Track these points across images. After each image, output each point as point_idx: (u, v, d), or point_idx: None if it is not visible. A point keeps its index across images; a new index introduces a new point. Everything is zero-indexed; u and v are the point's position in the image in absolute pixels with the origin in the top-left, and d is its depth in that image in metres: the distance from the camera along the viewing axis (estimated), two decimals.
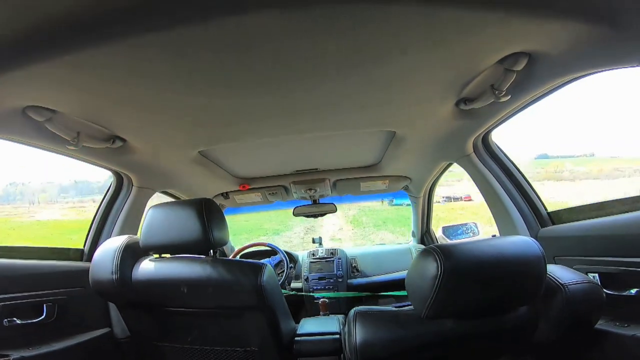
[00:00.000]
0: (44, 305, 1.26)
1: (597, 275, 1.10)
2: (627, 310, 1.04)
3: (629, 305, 1.03)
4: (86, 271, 1.20)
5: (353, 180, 2.19)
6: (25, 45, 0.71)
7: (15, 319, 1.18)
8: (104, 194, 1.65)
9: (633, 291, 1.01)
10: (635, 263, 0.99)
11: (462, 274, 0.84)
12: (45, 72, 0.79)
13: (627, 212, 1.06)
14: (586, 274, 1.08)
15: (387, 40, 0.77)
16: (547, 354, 1.11)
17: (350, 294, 2.28)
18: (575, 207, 1.32)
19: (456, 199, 11.64)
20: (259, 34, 0.71)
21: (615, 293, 1.04)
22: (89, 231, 1.58)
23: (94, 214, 1.62)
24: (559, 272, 0.99)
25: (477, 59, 0.90)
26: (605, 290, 1.02)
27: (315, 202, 2.47)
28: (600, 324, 1.04)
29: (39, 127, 1.02)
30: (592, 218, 1.19)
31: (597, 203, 1.22)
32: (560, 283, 0.93)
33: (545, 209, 1.44)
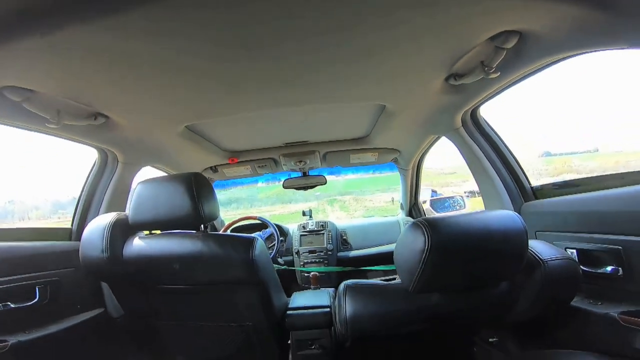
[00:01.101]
0: (36, 288, 1.25)
1: (575, 251, 1.13)
2: (602, 288, 1.08)
3: (604, 283, 1.07)
4: (76, 251, 1.19)
5: (343, 152, 2.19)
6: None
7: (9, 303, 1.18)
8: (88, 171, 1.61)
9: (608, 269, 1.03)
10: (612, 240, 1.02)
11: (448, 248, 0.87)
12: (21, 53, 0.76)
13: (606, 189, 1.09)
14: (565, 249, 1.12)
15: (378, 10, 0.75)
16: (524, 329, 1.18)
17: (340, 268, 2.34)
18: (557, 183, 1.36)
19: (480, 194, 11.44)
20: (250, 4, 0.69)
21: (591, 270, 1.08)
22: (75, 209, 1.56)
23: (79, 192, 1.59)
24: (539, 247, 1.02)
25: (469, 36, 0.89)
26: (582, 267, 1.06)
27: (305, 174, 2.48)
28: (575, 301, 1.09)
29: (17, 106, 0.98)
30: (573, 194, 1.22)
31: (578, 179, 1.26)
32: (540, 258, 0.97)
33: (529, 184, 1.48)
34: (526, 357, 1.21)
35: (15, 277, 1.21)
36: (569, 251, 1.14)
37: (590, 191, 1.15)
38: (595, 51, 0.89)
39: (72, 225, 1.55)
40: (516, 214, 0.95)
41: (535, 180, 1.44)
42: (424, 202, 2.68)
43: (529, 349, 1.24)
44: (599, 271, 1.06)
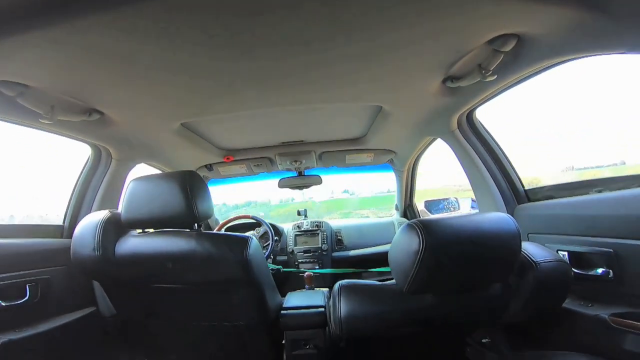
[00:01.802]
0: (27, 286, 1.23)
1: (566, 253, 1.14)
2: (592, 290, 1.09)
3: (595, 285, 1.08)
4: (67, 249, 1.18)
5: (339, 153, 2.18)
6: None
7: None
8: (81, 168, 1.59)
9: (599, 271, 1.05)
10: (602, 243, 1.03)
11: (442, 249, 0.87)
12: (16, 48, 0.75)
13: (598, 192, 1.11)
14: (557, 251, 1.13)
15: (376, 12, 0.75)
16: (517, 330, 1.19)
17: (336, 270, 2.34)
18: (550, 186, 1.37)
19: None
20: (246, 4, 0.68)
21: (583, 272, 1.09)
22: (67, 207, 1.54)
23: (72, 189, 1.57)
24: (532, 249, 1.03)
25: (467, 39, 0.90)
26: (573, 269, 1.07)
27: (300, 174, 2.48)
28: (567, 303, 1.10)
29: (10, 101, 0.97)
30: (566, 197, 1.24)
31: (571, 182, 1.27)
32: (533, 260, 0.98)
33: (523, 186, 1.49)
34: (518, 357, 1.22)
35: (4, 275, 1.19)
36: (561, 253, 1.15)
37: (582, 194, 1.17)
38: (594, 55, 0.89)
39: (63, 222, 1.53)
40: (509, 216, 0.96)
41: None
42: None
43: (521, 350, 1.25)
44: (590, 273, 1.08)
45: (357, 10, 0.73)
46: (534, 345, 1.21)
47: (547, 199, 1.34)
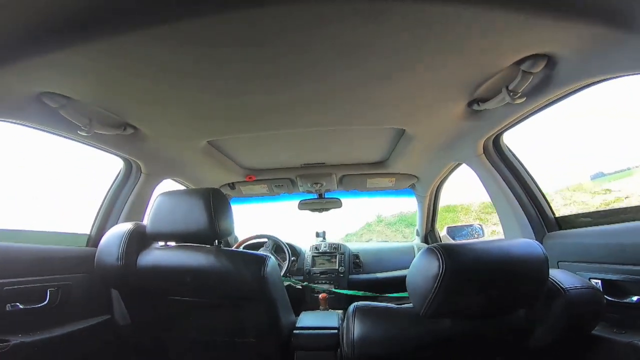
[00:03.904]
0: (47, 291, 1.24)
1: (599, 281, 1.09)
2: (626, 318, 1.03)
3: (629, 312, 1.02)
4: (91, 257, 1.21)
5: (359, 176, 2.18)
6: (42, 33, 0.72)
7: (18, 303, 1.16)
8: (112, 180, 1.66)
9: (634, 299, 1.00)
10: (637, 271, 0.98)
11: (463, 274, 0.84)
12: (61, 60, 0.80)
13: (633, 220, 1.06)
14: (589, 279, 1.08)
15: (402, 37, 0.76)
16: (542, 357, 1.11)
17: (352, 292, 2.28)
18: (582, 214, 1.31)
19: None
20: (273, 27, 0.71)
21: (616, 300, 1.04)
22: (96, 217, 1.60)
23: (101, 200, 1.63)
24: (560, 276, 0.98)
25: (494, 60, 0.88)
26: (606, 296, 1.02)
27: (320, 196, 2.48)
28: (598, 330, 1.03)
29: (53, 113, 1.04)
30: (598, 225, 1.18)
31: (603, 210, 1.21)
32: (562, 287, 0.93)
33: (553, 214, 1.43)
34: None
35: (28, 278, 1.20)
36: (594, 281, 1.09)
37: (615, 222, 1.11)
38: (626, 75, 0.86)
39: (90, 231, 1.58)
40: (536, 242, 0.92)
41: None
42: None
43: None
44: (624, 301, 1.02)
45: (381, 33, 0.74)
46: None
47: (578, 227, 1.27)
